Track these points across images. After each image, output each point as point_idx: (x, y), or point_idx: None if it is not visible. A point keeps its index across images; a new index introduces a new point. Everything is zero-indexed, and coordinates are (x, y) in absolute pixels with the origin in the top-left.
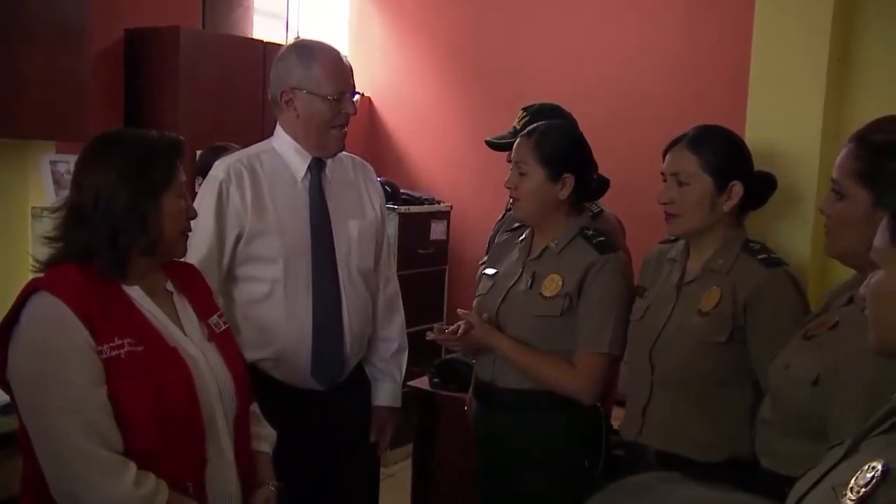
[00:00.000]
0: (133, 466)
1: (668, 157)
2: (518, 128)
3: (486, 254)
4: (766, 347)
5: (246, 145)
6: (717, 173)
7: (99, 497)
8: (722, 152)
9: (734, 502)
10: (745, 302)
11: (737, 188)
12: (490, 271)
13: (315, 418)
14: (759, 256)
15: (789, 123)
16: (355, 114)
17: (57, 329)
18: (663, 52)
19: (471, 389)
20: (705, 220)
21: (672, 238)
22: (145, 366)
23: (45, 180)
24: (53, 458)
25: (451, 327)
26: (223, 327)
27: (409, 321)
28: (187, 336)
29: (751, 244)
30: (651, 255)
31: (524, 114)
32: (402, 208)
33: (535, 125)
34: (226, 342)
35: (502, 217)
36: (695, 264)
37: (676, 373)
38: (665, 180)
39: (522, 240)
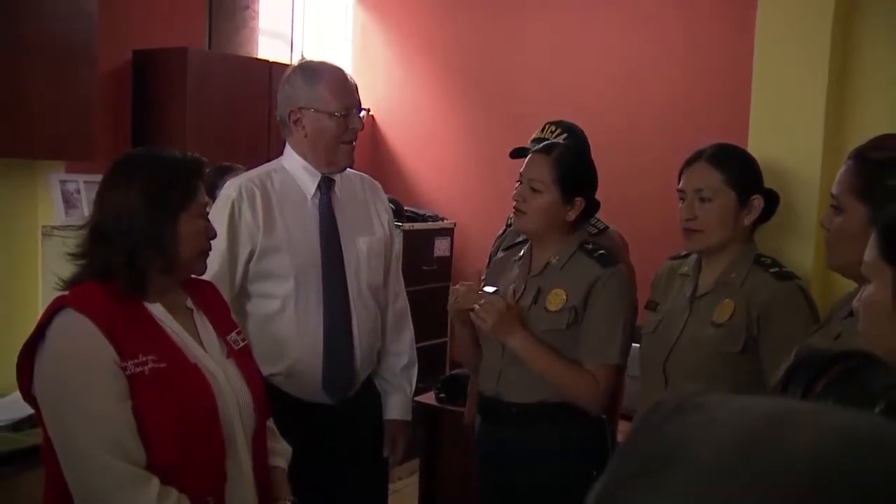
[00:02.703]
0: (156, 481)
1: (686, 173)
2: (548, 139)
3: (487, 269)
4: (779, 359)
5: (252, 165)
6: (740, 188)
7: None
8: (743, 168)
9: (801, 410)
10: (758, 314)
11: (757, 202)
12: (490, 289)
13: (326, 432)
14: (772, 270)
15: (790, 141)
16: (362, 129)
17: (83, 345)
18: (665, 71)
19: (468, 404)
20: (727, 235)
21: (683, 254)
22: (168, 382)
23: (55, 200)
24: (78, 473)
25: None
26: (241, 344)
27: (416, 337)
28: (207, 353)
29: (762, 258)
30: (662, 270)
31: (556, 128)
32: (407, 225)
33: (551, 143)
34: (244, 359)
35: (503, 233)
36: (707, 279)
37: (690, 384)
38: (683, 198)
39: (521, 257)
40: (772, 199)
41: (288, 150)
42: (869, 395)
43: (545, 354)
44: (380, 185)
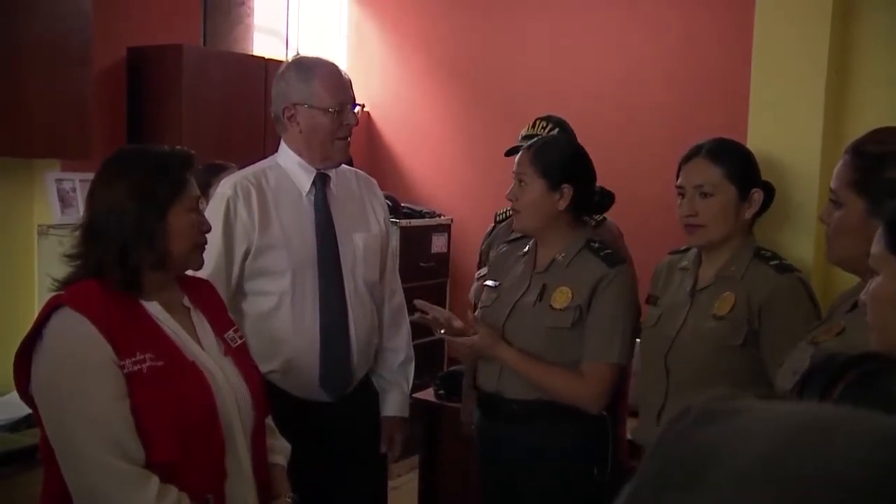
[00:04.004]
0: (155, 479)
1: (685, 169)
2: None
3: (479, 267)
4: (780, 352)
5: (247, 162)
6: (740, 182)
7: None
8: (742, 161)
9: (835, 416)
10: (759, 307)
11: (757, 195)
12: (492, 283)
13: (324, 429)
14: (772, 263)
15: (790, 135)
16: (357, 124)
17: (80, 344)
18: (662, 66)
19: (463, 401)
20: (729, 229)
21: (683, 248)
22: (166, 380)
23: (51, 198)
24: (77, 472)
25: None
26: (239, 342)
27: (413, 333)
28: (205, 351)
29: (762, 251)
30: (662, 265)
31: (547, 123)
32: (404, 222)
33: (537, 138)
34: (242, 356)
35: (492, 230)
36: (707, 272)
37: (692, 377)
38: (682, 194)
39: (525, 252)
40: (768, 192)
41: (283, 146)
42: (889, 401)
43: (533, 366)
44: (375, 182)
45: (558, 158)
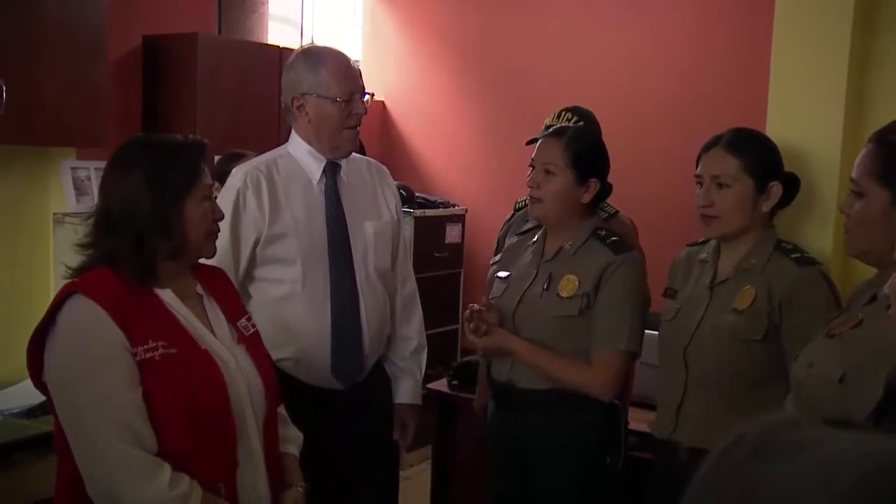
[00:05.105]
0: (168, 467)
1: (704, 160)
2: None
3: (496, 254)
4: (801, 346)
5: (262, 150)
6: (758, 174)
7: (135, 497)
8: (762, 154)
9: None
10: (779, 300)
11: (775, 188)
12: (503, 274)
13: (336, 417)
14: (793, 255)
15: (810, 125)
16: (366, 113)
17: (93, 331)
18: (677, 55)
19: (478, 390)
20: (745, 222)
21: (701, 240)
22: (178, 368)
23: (67, 186)
24: (90, 459)
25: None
26: (252, 330)
27: (426, 323)
28: (218, 339)
29: (783, 244)
30: (679, 257)
31: (572, 115)
32: (418, 212)
33: (562, 126)
34: (255, 345)
35: (510, 217)
36: (727, 265)
37: (712, 372)
38: (701, 184)
39: (534, 242)
40: (792, 183)
41: (293, 135)
42: None
43: (542, 357)
44: (387, 170)
45: (590, 151)
